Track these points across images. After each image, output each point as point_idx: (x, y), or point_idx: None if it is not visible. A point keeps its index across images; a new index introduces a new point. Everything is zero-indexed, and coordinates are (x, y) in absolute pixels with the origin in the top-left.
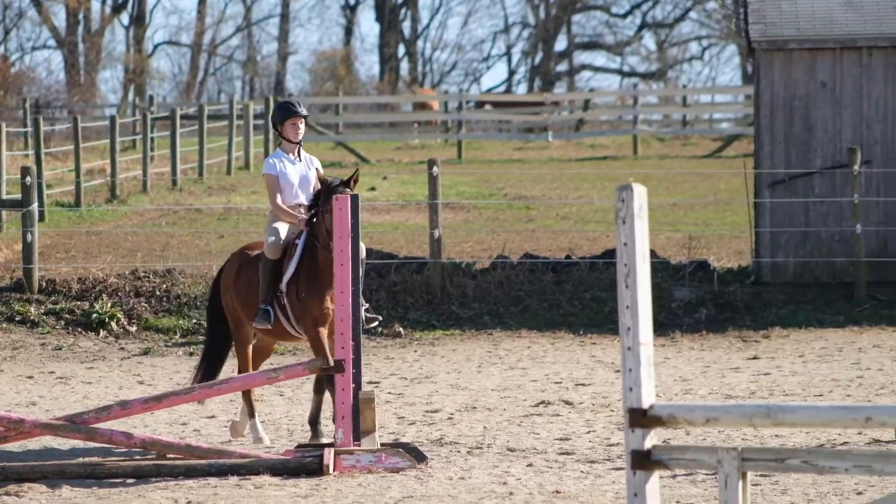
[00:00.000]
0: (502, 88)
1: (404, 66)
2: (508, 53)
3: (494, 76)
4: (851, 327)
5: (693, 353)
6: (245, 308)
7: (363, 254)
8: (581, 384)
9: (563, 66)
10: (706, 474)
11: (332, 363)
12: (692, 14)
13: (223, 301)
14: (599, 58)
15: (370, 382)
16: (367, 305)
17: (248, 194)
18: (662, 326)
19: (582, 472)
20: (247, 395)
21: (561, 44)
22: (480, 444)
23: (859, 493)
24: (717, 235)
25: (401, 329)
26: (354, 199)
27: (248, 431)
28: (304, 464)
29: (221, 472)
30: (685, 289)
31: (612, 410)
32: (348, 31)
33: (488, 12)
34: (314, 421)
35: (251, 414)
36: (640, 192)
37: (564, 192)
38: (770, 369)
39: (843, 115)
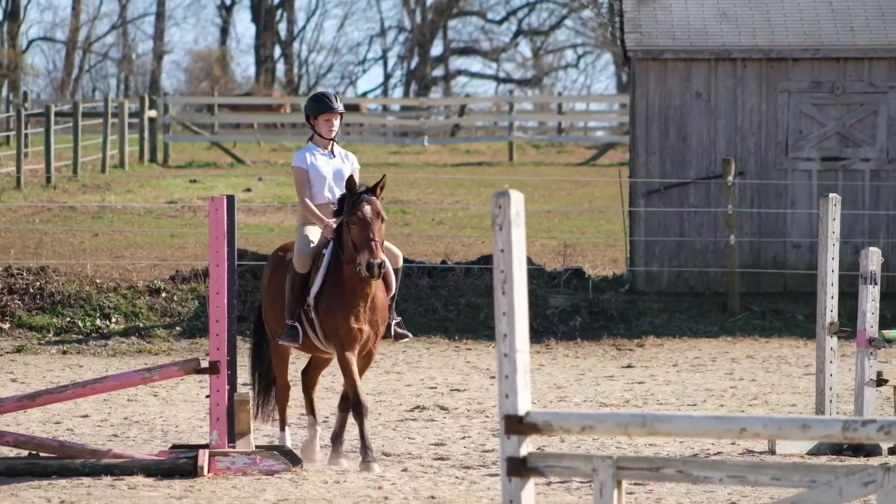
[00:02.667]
0: (378, 92)
1: (280, 67)
2: (384, 57)
3: (370, 80)
4: (725, 337)
5: (568, 360)
6: (276, 319)
7: (400, 262)
8: (456, 389)
9: (439, 71)
10: (580, 482)
11: (364, 406)
12: (568, 22)
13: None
14: (475, 63)
15: (245, 385)
16: (399, 319)
17: (123, 193)
18: (537, 333)
19: (457, 477)
20: (283, 407)
21: (437, 49)
22: (356, 448)
23: (733, 503)
24: (592, 243)
25: None
26: (230, 199)
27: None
28: (179, 465)
29: (95, 471)
30: (560, 296)
31: (488, 416)
32: (224, 32)
33: (364, 15)
34: (337, 438)
35: (282, 426)
36: (517, 199)
37: (440, 197)
38: (644, 378)
39: (718, 126)
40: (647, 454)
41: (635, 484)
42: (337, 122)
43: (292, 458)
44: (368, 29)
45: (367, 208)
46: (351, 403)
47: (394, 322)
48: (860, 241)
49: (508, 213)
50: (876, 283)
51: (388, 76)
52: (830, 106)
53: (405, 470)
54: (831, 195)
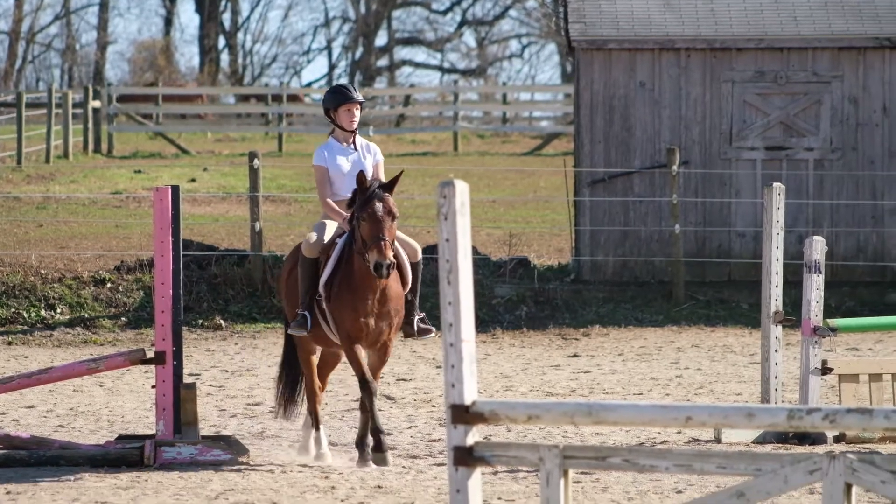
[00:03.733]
0: (323, 82)
1: (225, 57)
2: (329, 47)
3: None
4: (670, 326)
5: (514, 349)
6: (292, 311)
7: (419, 255)
8: (403, 379)
9: (383, 62)
10: (527, 471)
11: (371, 385)
12: (512, 12)
13: None
14: (420, 54)
15: (191, 375)
16: (423, 315)
17: (68, 183)
18: (483, 323)
19: (404, 467)
20: (313, 405)
21: (382, 39)
22: (302, 437)
23: (679, 492)
24: (538, 233)
25: (222, 321)
26: (175, 189)
27: (311, 445)
28: (125, 455)
29: (41, 462)
30: (506, 286)
31: (434, 406)
32: (168, 22)
33: (309, 6)
34: (361, 443)
35: (316, 426)
36: (462, 189)
37: None
38: (590, 367)
39: (662, 116)
40: (593, 443)
41: (582, 473)
42: (358, 113)
43: (238, 449)
44: (313, 19)
45: (379, 205)
46: (359, 384)
47: (416, 318)
48: (804, 230)
49: (454, 202)
50: (820, 272)
51: (332, 66)
52: (774, 95)
53: (352, 459)
54: (775, 184)
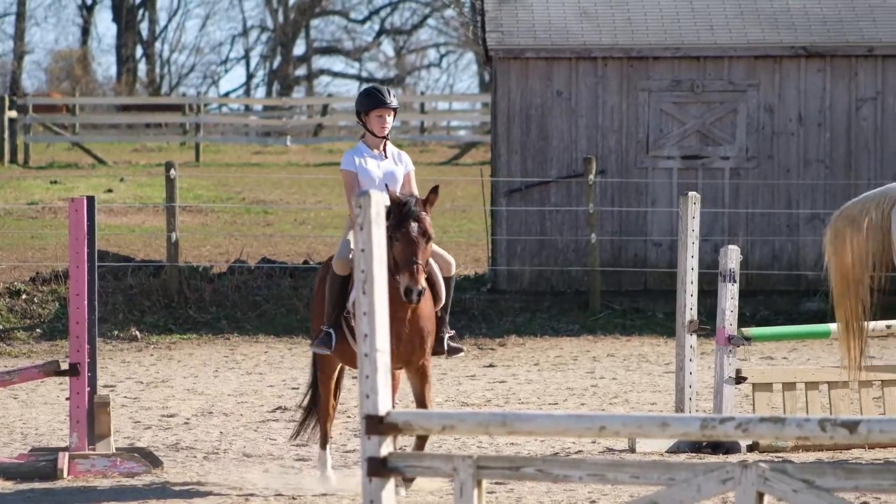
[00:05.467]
0: (241, 92)
1: (142, 67)
2: (247, 57)
3: (233, 80)
4: (586, 336)
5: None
6: (316, 329)
7: (453, 270)
8: None
9: (301, 71)
10: (443, 482)
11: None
12: (430, 21)
13: None
14: (338, 63)
15: (106, 386)
16: (453, 333)
17: None
18: None
19: (319, 478)
20: (324, 424)
21: (300, 48)
22: (217, 449)
23: (593, 502)
24: (455, 242)
25: (137, 332)
26: (90, 200)
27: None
28: (38, 468)
29: None
30: None
31: (349, 417)
32: (85, 32)
33: (227, 15)
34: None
35: (323, 445)
36: (377, 199)
37: (303, 197)
38: (506, 377)
39: (579, 125)
40: (508, 453)
41: (496, 483)
42: (390, 119)
43: (153, 461)
44: (231, 28)
45: (414, 226)
46: None
47: (446, 335)
48: (720, 239)
49: (369, 212)
50: (735, 281)
51: (250, 76)
52: (690, 104)
53: (266, 471)
54: (691, 193)
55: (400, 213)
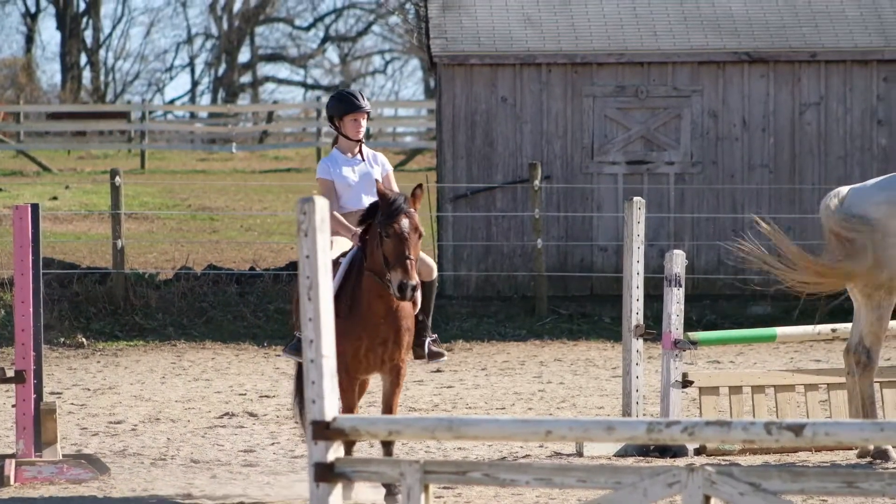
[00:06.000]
0: (186, 99)
1: (87, 74)
2: (192, 64)
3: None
4: (533, 341)
5: None
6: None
7: (434, 274)
8: (266, 396)
9: (246, 78)
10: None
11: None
12: (375, 28)
13: None
14: (283, 70)
15: (52, 393)
16: (435, 337)
17: None
18: None
19: (267, 483)
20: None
21: (245, 55)
22: (164, 455)
23: None
24: None
25: (83, 339)
26: (35, 207)
27: None
28: None
29: None
30: None
31: (297, 422)
32: (29, 40)
33: (171, 23)
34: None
35: None
36: (322, 205)
37: (248, 204)
38: (453, 382)
39: (524, 131)
40: (455, 458)
41: (444, 488)
42: (364, 122)
43: (100, 467)
44: (175, 36)
45: (405, 222)
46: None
47: (428, 339)
48: (666, 243)
49: (314, 219)
50: (680, 286)
51: (195, 83)
52: (635, 110)
53: (214, 477)
54: (635, 198)
55: (389, 210)
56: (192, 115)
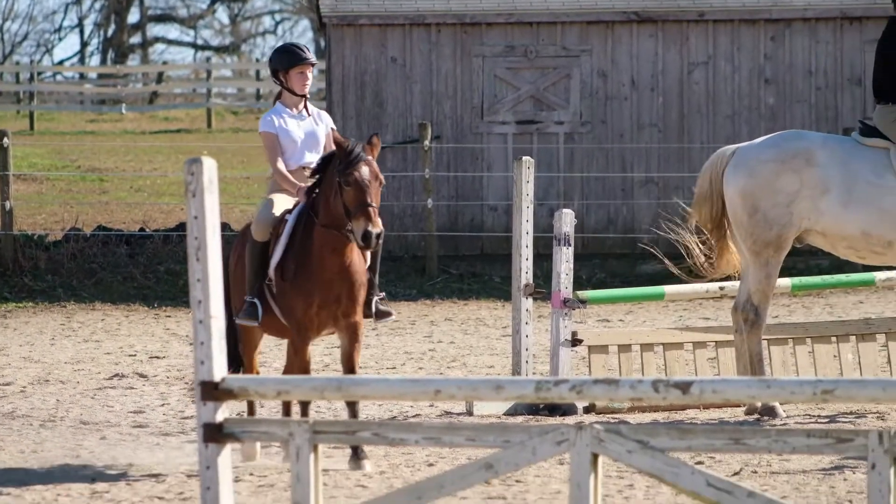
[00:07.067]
0: (75, 60)
1: None
2: (81, 25)
3: (67, 47)
4: (424, 300)
5: None
6: (240, 299)
7: (380, 228)
8: (156, 357)
9: (136, 39)
10: (279, 447)
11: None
12: None
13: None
14: (173, 31)
15: None
16: (383, 295)
17: None
18: None
19: (156, 444)
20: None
21: (134, 16)
22: (53, 417)
23: (430, 465)
24: None
25: None
26: None
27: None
28: None
29: None
30: None
31: (187, 383)
32: None
33: None
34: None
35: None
36: (209, 166)
37: (138, 165)
38: None
39: (414, 91)
40: (345, 418)
41: (334, 447)
42: (311, 75)
43: None
44: None
45: (366, 169)
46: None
47: (375, 298)
48: (555, 203)
49: (201, 179)
50: (570, 245)
51: (84, 44)
52: (524, 70)
53: (103, 438)
54: (524, 158)
55: (347, 159)
56: (82, 76)
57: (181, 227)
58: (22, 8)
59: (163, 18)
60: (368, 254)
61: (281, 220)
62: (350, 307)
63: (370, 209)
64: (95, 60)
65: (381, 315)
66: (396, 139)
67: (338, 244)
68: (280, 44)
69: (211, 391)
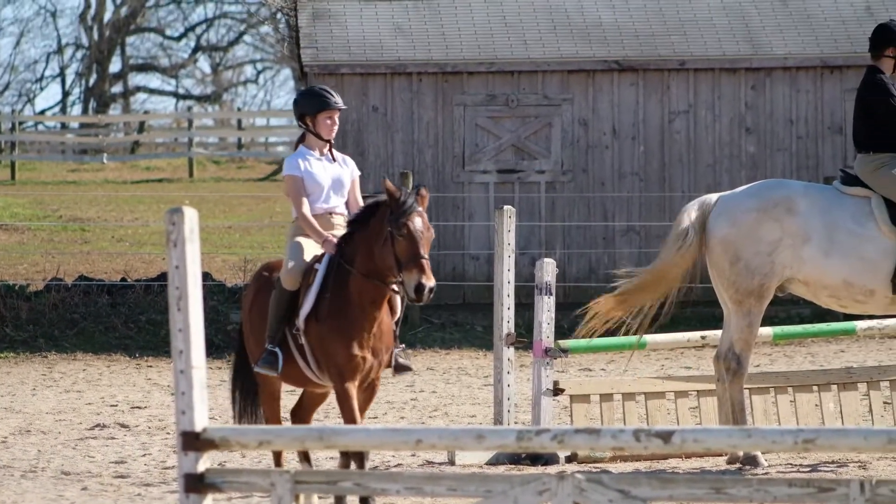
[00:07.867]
0: (57, 110)
1: None
2: (62, 74)
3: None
4: (406, 350)
5: None
6: (258, 347)
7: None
8: (137, 407)
9: (118, 88)
10: (261, 496)
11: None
12: (247, 38)
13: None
14: (154, 80)
15: None
16: (402, 347)
17: None
18: (218, 349)
19: (138, 495)
20: (277, 452)
21: (116, 65)
22: (35, 467)
23: None
24: (274, 258)
25: None
26: None
27: None
28: None
29: None
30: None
31: (169, 433)
32: None
33: (41, 32)
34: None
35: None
36: (191, 216)
37: (120, 215)
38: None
39: (395, 140)
40: (327, 468)
41: (320, 497)
42: (338, 120)
43: None
44: (45, 46)
45: (419, 220)
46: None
47: (396, 350)
48: (537, 252)
49: (182, 229)
50: (551, 294)
51: (66, 93)
52: (506, 119)
53: (85, 489)
54: (506, 207)
55: (401, 209)
56: (63, 126)
57: (163, 276)
58: (3, 57)
59: (144, 68)
60: (398, 305)
61: (311, 267)
62: (377, 367)
63: (423, 261)
64: (77, 110)
65: (401, 369)
66: (377, 189)
67: (377, 295)
68: (304, 88)
69: (192, 441)
